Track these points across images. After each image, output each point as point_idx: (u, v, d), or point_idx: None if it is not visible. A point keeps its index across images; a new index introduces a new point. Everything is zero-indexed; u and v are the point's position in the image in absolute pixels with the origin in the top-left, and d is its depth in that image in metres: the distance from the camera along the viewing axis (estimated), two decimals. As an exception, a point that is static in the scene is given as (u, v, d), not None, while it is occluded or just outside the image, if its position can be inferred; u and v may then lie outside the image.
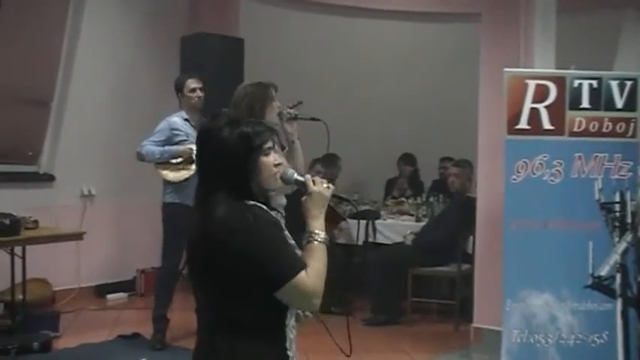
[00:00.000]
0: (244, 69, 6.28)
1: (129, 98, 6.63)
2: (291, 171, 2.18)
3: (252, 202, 2.00)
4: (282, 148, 3.92)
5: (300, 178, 2.15)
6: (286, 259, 1.97)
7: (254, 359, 2.01)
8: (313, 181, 2.12)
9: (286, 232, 2.06)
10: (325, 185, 2.12)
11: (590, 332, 4.28)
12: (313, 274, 1.98)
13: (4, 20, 5.76)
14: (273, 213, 2.07)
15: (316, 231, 2.07)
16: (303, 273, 1.96)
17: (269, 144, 2.06)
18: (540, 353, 4.28)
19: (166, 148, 5.05)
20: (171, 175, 5.03)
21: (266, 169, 2.05)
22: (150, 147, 5.08)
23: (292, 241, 2.06)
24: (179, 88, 5.19)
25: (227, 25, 6.69)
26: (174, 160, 5.02)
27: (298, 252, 2.05)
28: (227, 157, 2.01)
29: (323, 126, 3.76)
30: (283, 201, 3.89)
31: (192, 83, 5.16)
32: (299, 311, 2.13)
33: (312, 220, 2.09)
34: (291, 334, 2.09)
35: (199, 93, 5.15)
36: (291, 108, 3.83)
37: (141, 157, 5.13)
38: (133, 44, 6.76)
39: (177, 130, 5.08)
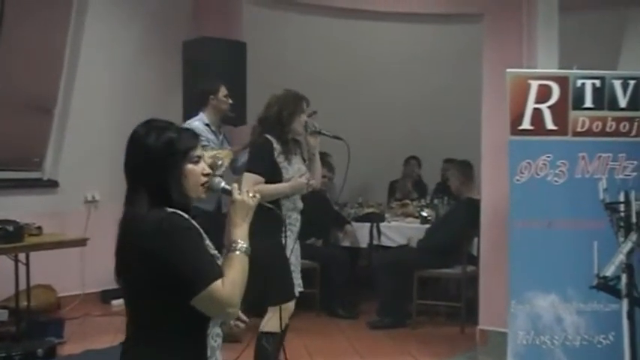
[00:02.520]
0: (247, 73, 6.28)
1: (132, 103, 6.61)
2: (218, 179, 2.18)
3: (171, 210, 2.00)
4: (304, 160, 3.99)
5: (227, 187, 2.16)
6: (200, 268, 1.95)
7: None
8: (239, 191, 2.12)
9: (207, 242, 2.05)
10: (251, 195, 2.11)
11: (596, 333, 4.25)
12: (229, 283, 1.96)
13: (7, 28, 5.76)
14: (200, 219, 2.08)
15: (238, 240, 2.05)
16: (218, 282, 1.94)
17: (196, 152, 2.08)
18: (546, 355, 4.25)
19: None
20: None
21: (192, 177, 2.06)
22: None
23: (214, 251, 2.06)
24: (213, 92, 5.15)
25: (229, 29, 6.67)
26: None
27: (219, 261, 2.04)
28: (149, 162, 2.02)
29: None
30: (300, 205, 3.91)
31: (225, 89, 5.17)
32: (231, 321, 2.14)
33: (234, 229, 2.07)
34: (214, 342, 2.08)
35: (230, 100, 5.16)
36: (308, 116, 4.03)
37: None
38: (136, 49, 6.76)
39: (200, 135, 5.05)
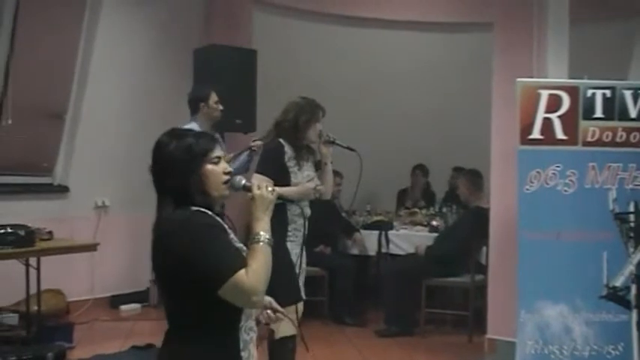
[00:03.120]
0: (257, 80, 6.31)
1: (142, 110, 6.66)
2: (238, 177, 2.28)
3: (195, 208, 2.12)
4: (316, 169, 4.01)
5: (248, 184, 2.27)
6: (225, 259, 2.04)
7: (201, 358, 2.10)
8: (258, 186, 2.21)
9: (232, 236, 2.16)
10: (270, 189, 2.21)
11: (605, 343, 4.25)
12: (252, 272, 2.04)
13: (20, 35, 5.81)
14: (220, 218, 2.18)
15: (260, 232, 2.13)
16: (242, 272, 2.02)
17: (215, 153, 2.19)
18: (555, 364, 4.25)
19: None
20: None
21: (213, 176, 2.17)
22: None
23: (239, 244, 2.16)
24: (204, 98, 5.16)
25: (240, 37, 6.72)
26: None
27: (244, 254, 2.13)
28: (171, 168, 2.14)
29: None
30: (307, 211, 3.93)
31: (216, 95, 5.18)
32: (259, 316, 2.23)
33: (255, 222, 2.16)
34: (247, 335, 2.17)
35: (221, 106, 5.18)
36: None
37: None
38: (147, 56, 6.80)
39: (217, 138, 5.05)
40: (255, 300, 2.06)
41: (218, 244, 2.06)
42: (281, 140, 3.96)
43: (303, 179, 3.95)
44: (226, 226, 2.16)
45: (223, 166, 2.20)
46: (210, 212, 2.15)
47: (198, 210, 2.12)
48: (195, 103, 5.19)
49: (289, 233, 3.89)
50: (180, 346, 2.12)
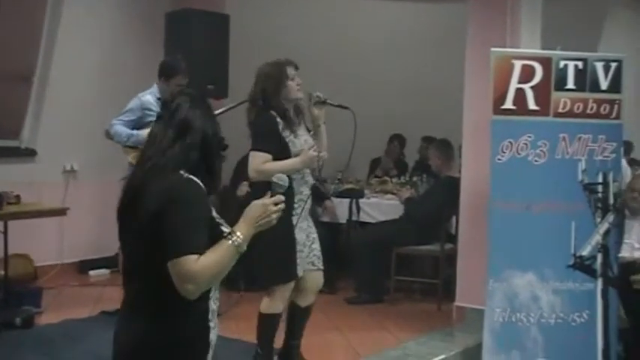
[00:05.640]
0: (230, 46, 6.24)
1: (112, 74, 6.56)
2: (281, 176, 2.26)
3: (188, 175, 2.08)
4: (309, 131, 3.94)
5: (278, 182, 2.22)
6: (187, 236, 1.98)
7: (171, 328, 2.05)
8: (275, 202, 2.16)
9: (214, 214, 2.11)
10: (275, 216, 2.14)
11: (571, 311, 4.33)
12: (202, 263, 1.98)
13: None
14: None
15: (238, 234, 2.06)
16: (193, 256, 1.97)
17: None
18: (522, 332, 4.33)
19: (134, 132, 4.98)
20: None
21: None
22: (118, 127, 5.03)
23: (224, 228, 2.10)
24: (170, 74, 5.03)
25: (213, 2, 6.62)
26: (142, 147, 4.96)
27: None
28: (203, 145, 2.14)
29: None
30: (310, 179, 3.90)
31: (182, 79, 5.03)
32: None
33: (243, 223, 2.10)
34: (214, 305, 2.14)
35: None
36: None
37: (109, 137, 5.12)
38: (117, 19, 6.69)
39: (149, 109, 4.97)
40: (188, 288, 1.98)
41: (191, 220, 2.01)
42: (271, 112, 3.81)
43: (302, 146, 3.82)
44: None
45: None
46: (201, 184, 2.10)
47: (192, 179, 2.08)
48: (163, 71, 5.11)
49: (295, 206, 3.78)
50: (151, 318, 2.06)
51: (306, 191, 3.88)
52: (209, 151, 2.16)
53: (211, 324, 2.13)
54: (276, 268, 3.86)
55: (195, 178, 2.08)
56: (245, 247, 2.06)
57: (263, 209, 2.11)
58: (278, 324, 3.97)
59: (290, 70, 3.84)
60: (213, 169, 2.17)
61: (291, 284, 3.90)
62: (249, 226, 2.08)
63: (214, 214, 2.11)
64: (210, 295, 2.11)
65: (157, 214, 2.00)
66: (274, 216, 2.12)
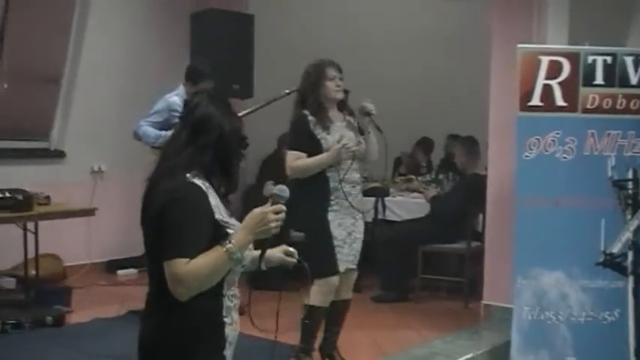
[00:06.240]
0: (254, 46, 6.25)
1: (138, 75, 6.61)
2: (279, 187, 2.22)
3: (194, 180, 2.09)
4: (361, 133, 4.05)
5: (279, 193, 2.16)
6: (179, 239, 2.01)
7: (181, 325, 2.08)
8: (275, 210, 2.11)
9: (221, 217, 2.10)
10: (274, 225, 2.10)
11: (601, 310, 4.28)
12: (192, 267, 2.00)
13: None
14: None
15: (233, 242, 2.05)
16: (184, 260, 2.00)
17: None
18: (551, 330, 4.28)
19: (162, 133, 5.00)
20: None
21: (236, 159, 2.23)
22: (147, 128, 5.10)
23: (225, 220, 2.10)
24: (197, 79, 5.08)
25: (237, 1, 6.64)
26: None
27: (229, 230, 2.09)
28: (217, 142, 2.14)
29: None
30: (354, 176, 3.98)
31: (210, 83, 5.08)
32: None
33: (243, 230, 2.09)
34: (230, 302, 2.15)
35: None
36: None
37: (137, 137, 5.17)
38: (143, 21, 6.74)
39: (175, 111, 4.98)
40: (177, 290, 2.01)
41: (186, 224, 2.03)
42: (304, 111, 3.95)
43: (334, 143, 3.91)
44: (214, 207, 2.11)
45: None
46: (204, 188, 2.11)
47: (194, 183, 2.09)
48: (191, 75, 5.16)
49: (332, 202, 3.90)
50: (163, 314, 2.10)
51: (347, 188, 3.93)
52: (226, 149, 2.16)
53: (227, 320, 2.14)
54: (314, 263, 3.90)
55: (198, 182, 2.09)
56: (240, 255, 2.05)
57: (261, 217, 2.08)
58: (321, 319, 4.07)
59: (330, 71, 3.96)
60: (230, 168, 2.18)
61: (333, 279, 3.97)
62: (246, 234, 2.07)
63: (221, 216, 2.11)
64: (224, 292, 2.13)
65: (159, 215, 2.05)
66: (273, 225, 2.09)
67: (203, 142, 2.14)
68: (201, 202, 2.08)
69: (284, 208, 2.11)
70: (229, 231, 2.09)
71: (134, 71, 6.65)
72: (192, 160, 2.12)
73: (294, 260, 2.29)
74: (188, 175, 2.10)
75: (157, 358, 2.13)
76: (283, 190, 2.15)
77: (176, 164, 2.12)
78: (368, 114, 4.02)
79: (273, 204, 2.12)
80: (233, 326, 2.17)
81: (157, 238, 2.05)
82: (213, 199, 2.11)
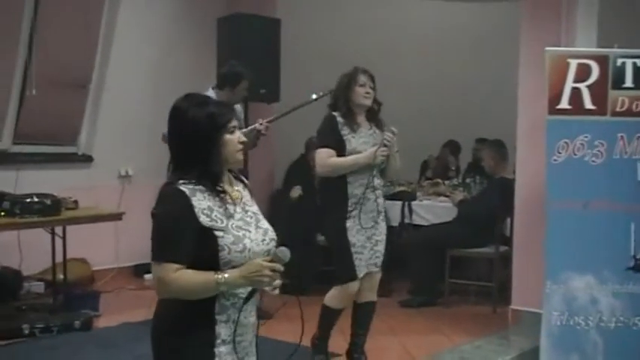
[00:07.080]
0: (281, 50, 6.26)
1: (166, 79, 6.63)
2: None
3: (180, 187, 2.13)
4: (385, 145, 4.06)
5: (281, 256, 2.16)
6: (166, 244, 2.11)
7: (178, 318, 2.16)
8: (272, 268, 2.12)
9: (212, 224, 2.11)
10: (266, 280, 2.11)
11: (632, 315, 4.21)
12: (182, 277, 2.08)
13: (44, 4, 5.81)
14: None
15: (227, 275, 2.09)
16: (174, 265, 2.08)
17: (233, 123, 2.21)
18: (581, 336, 4.23)
19: None
20: None
21: (230, 145, 2.20)
22: None
23: (219, 234, 2.12)
24: (234, 83, 5.01)
25: (264, 6, 6.66)
26: None
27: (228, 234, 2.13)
28: (192, 136, 2.16)
29: None
30: (375, 182, 4.03)
31: (247, 84, 5.08)
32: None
33: (238, 271, 2.11)
34: (227, 300, 2.16)
35: (246, 93, 5.13)
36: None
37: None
38: (170, 25, 6.78)
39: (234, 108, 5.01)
40: (161, 290, 2.13)
41: (169, 230, 2.11)
42: (333, 112, 4.05)
43: (359, 146, 3.99)
44: (206, 209, 2.14)
45: (238, 134, 2.24)
46: (188, 192, 2.13)
47: (179, 190, 2.12)
48: (224, 81, 5.06)
49: (349, 208, 3.95)
50: (162, 309, 2.21)
51: (368, 194, 3.97)
52: (197, 139, 2.16)
53: (220, 317, 2.16)
54: (335, 267, 4.13)
55: (184, 187, 2.13)
56: (226, 289, 2.11)
57: (258, 268, 2.11)
58: (335, 318, 4.19)
59: (361, 77, 4.04)
60: (207, 156, 2.16)
61: (351, 285, 4.04)
62: (240, 276, 2.10)
63: (208, 219, 2.12)
64: (215, 310, 2.17)
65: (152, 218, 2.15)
66: (266, 280, 2.11)
67: (177, 140, 2.21)
68: (179, 210, 2.12)
69: (281, 268, 2.14)
70: (218, 233, 2.12)
71: (161, 76, 6.68)
72: (175, 162, 2.20)
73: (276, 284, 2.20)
74: (180, 181, 2.15)
75: (155, 349, 2.23)
76: (284, 252, 2.16)
77: (171, 170, 2.22)
78: (392, 133, 4.02)
79: (272, 260, 2.14)
80: (229, 324, 2.18)
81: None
82: (204, 202, 2.14)
